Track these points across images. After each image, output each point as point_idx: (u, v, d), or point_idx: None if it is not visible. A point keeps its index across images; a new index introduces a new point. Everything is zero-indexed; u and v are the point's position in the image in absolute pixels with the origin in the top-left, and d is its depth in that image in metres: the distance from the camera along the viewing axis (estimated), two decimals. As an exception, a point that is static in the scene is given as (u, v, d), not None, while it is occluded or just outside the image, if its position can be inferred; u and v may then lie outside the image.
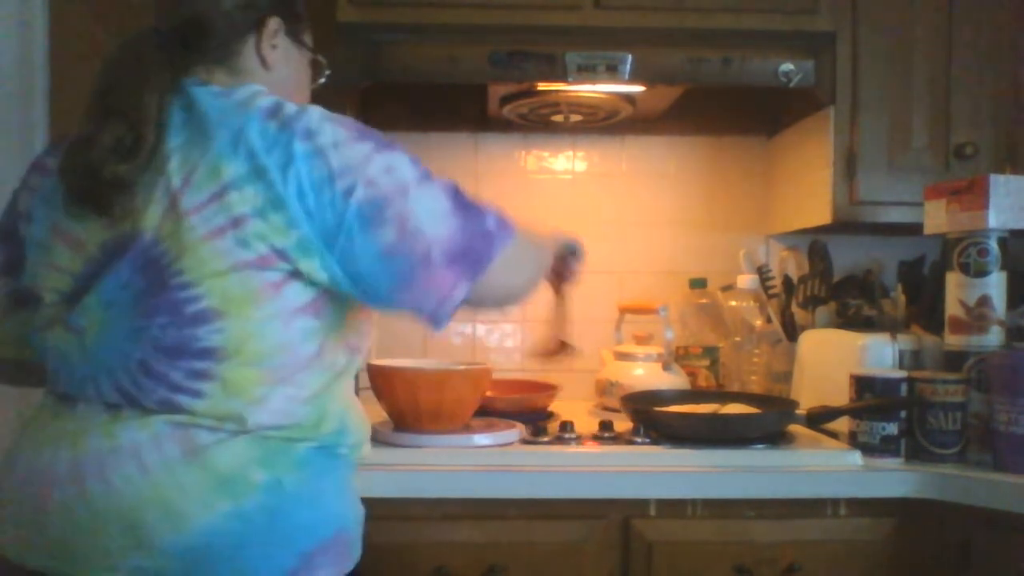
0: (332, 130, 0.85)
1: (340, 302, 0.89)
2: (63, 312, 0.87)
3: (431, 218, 0.85)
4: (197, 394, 0.83)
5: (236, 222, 0.81)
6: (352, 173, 0.83)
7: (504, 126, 1.75)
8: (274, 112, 0.85)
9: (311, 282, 0.85)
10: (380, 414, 1.30)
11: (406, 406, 1.20)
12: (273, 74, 0.97)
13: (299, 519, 0.86)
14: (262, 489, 0.84)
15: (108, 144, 0.83)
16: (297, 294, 0.85)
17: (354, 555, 0.94)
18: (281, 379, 0.86)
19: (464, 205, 0.88)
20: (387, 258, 0.84)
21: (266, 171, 0.81)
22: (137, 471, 0.81)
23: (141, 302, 0.82)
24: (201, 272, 0.81)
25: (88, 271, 0.86)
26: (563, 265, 1.25)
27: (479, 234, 0.87)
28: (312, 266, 0.84)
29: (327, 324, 0.89)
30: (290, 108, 0.85)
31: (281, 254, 0.82)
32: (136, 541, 0.80)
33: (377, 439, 1.23)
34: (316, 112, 0.86)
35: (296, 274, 0.84)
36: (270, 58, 0.97)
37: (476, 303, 0.90)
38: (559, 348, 1.30)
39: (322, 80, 1.08)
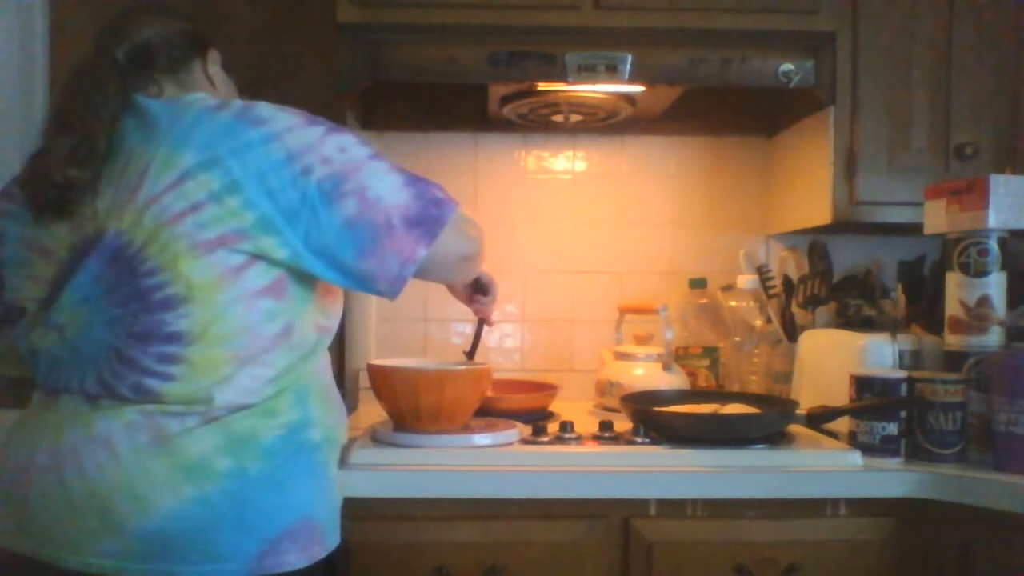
0: (283, 117, 0.90)
1: (304, 284, 0.94)
2: (43, 316, 0.92)
3: (388, 188, 0.91)
4: (168, 377, 0.87)
5: (195, 207, 0.85)
6: (309, 153, 0.88)
7: (504, 126, 1.75)
8: (222, 106, 0.90)
9: (272, 262, 0.89)
10: (380, 414, 1.30)
11: (406, 406, 1.20)
12: (218, 93, 1.04)
13: (263, 505, 0.90)
14: (226, 476, 0.88)
15: (62, 153, 0.88)
16: (257, 277, 0.89)
17: (327, 543, 0.97)
18: (247, 359, 0.90)
19: (413, 177, 0.94)
20: (351, 227, 0.89)
21: (221, 159, 0.86)
22: (108, 459, 0.86)
23: (114, 292, 0.86)
24: (164, 257, 0.85)
25: (60, 274, 0.90)
26: (472, 296, 1.35)
27: (432, 201, 0.93)
28: (271, 244, 0.88)
29: (291, 305, 0.93)
30: (238, 102, 0.91)
31: (239, 234, 0.86)
32: (108, 526, 0.85)
33: (377, 439, 1.23)
34: (263, 104, 0.91)
35: (256, 255, 0.88)
36: (216, 79, 1.05)
37: (429, 267, 0.95)
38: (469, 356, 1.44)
39: None
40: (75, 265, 0.88)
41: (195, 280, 0.85)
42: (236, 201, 0.86)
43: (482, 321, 1.39)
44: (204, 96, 0.94)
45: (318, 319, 0.98)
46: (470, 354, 1.43)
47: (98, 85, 0.91)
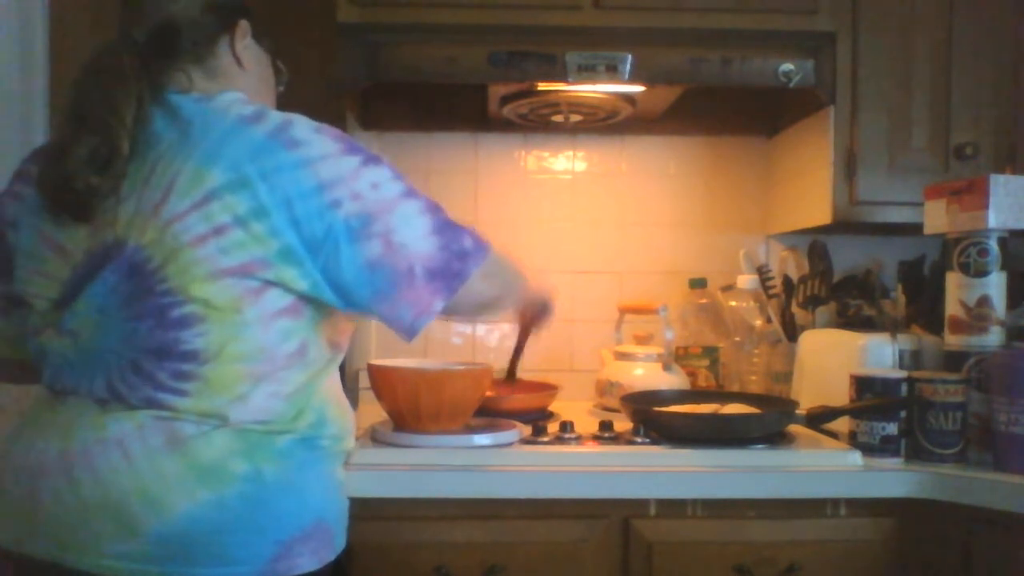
0: (320, 142, 0.87)
1: (320, 303, 0.92)
2: (55, 317, 0.90)
3: (415, 235, 0.88)
4: (182, 393, 0.86)
5: (218, 231, 0.83)
6: (340, 186, 0.86)
7: (504, 126, 1.75)
8: (257, 119, 0.86)
9: (290, 289, 0.87)
10: (380, 414, 1.30)
11: (406, 406, 1.20)
12: (248, 73, 1.00)
13: (278, 508, 0.89)
14: (242, 479, 0.87)
15: (83, 156, 0.85)
16: (277, 299, 0.88)
17: (336, 545, 0.97)
18: (263, 376, 0.89)
19: (444, 223, 0.91)
20: (371, 270, 0.87)
21: (250, 180, 0.83)
22: (122, 461, 0.85)
23: (130, 306, 0.85)
24: (183, 279, 0.83)
25: (75, 277, 0.88)
26: (534, 316, 1.33)
27: (457, 253, 0.91)
28: (292, 275, 0.86)
29: (307, 324, 0.92)
30: (274, 116, 0.87)
31: (262, 262, 0.85)
32: (121, 528, 0.84)
33: (377, 439, 1.23)
34: (302, 122, 0.88)
35: (275, 281, 0.86)
36: (244, 58, 1.00)
37: (448, 313, 0.94)
38: (509, 376, 1.45)
39: (280, 88, 1.11)
40: (92, 272, 0.86)
41: (214, 302, 0.84)
42: (262, 227, 0.84)
43: (523, 337, 1.40)
44: (239, 98, 0.90)
45: (331, 336, 0.97)
46: (511, 370, 1.45)
47: (118, 80, 0.88)
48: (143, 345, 0.85)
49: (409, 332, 0.92)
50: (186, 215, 0.83)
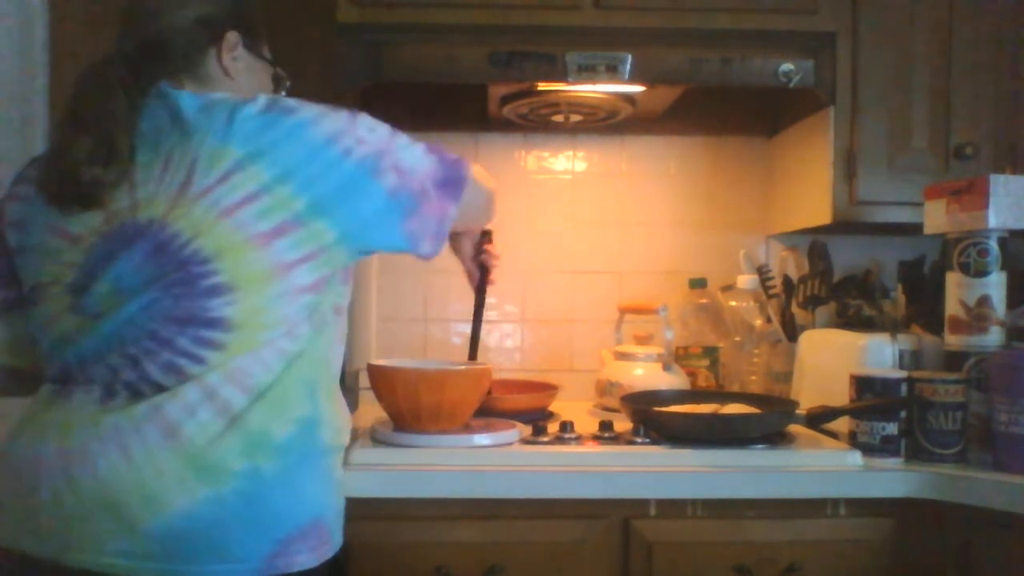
0: (309, 107, 0.93)
1: (338, 277, 0.97)
2: (73, 301, 0.91)
3: (417, 159, 0.98)
4: (199, 360, 0.88)
5: (248, 198, 0.87)
6: (345, 136, 0.92)
7: (504, 126, 1.75)
8: (247, 101, 0.91)
9: (322, 254, 0.92)
10: (380, 414, 1.30)
11: (406, 406, 1.20)
12: (236, 83, 1.03)
13: (276, 506, 0.90)
14: (240, 475, 0.87)
15: (82, 155, 0.89)
16: (303, 275, 0.91)
17: (334, 542, 0.97)
18: (276, 339, 0.91)
19: (428, 144, 1.02)
20: (393, 198, 0.95)
21: (266, 150, 0.88)
22: (120, 458, 0.85)
23: (156, 281, 0.86)
24: (216, 248, 0.86)
25: (91, 261, 0.89)
26: (480, 248, 1.37)
27: (451, 163, 1.03)
28: (322, 226, 0.91)
29: (323, 296, 0.96)
30: (261, 96, 0.93)
31: (294, 222, 0.89)
32: (120, 526, 0.84)
33: (377, 439, 1.23)
34: (284, 97, 0.94)
35: (309, 252, 0.90)
36: (232, 69, 1.03)
37: (459, 215, 1.03)
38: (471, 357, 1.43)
39: (283, 93, 1.14)
40: (111, 254, 0.87)
41: (247, 271, 0.87)
42: (287, 189, 0.88)
43: (483, 285, 1.37)
44: (227, 95, 0.93)
45: (336, 300, 1.00)
46: (475, 326, 1.41)
47: (109, 86, 0.92)
48: (167, 314, 0.86)
49: (438, 238, 1.00)
50: (213, 189, 0.86)
